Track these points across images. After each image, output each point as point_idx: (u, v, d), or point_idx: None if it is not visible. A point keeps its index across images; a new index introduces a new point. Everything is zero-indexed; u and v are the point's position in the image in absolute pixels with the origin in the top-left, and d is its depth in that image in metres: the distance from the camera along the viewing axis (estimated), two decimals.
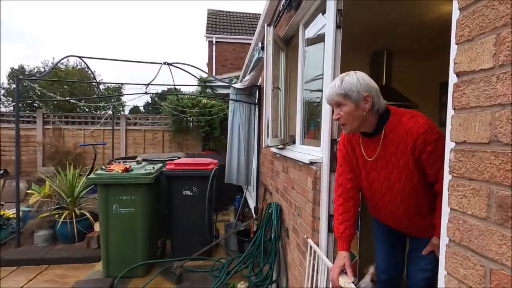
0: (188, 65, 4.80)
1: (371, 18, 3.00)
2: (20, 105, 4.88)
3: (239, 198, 5.10)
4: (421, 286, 1.42)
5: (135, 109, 20.50)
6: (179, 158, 4.26)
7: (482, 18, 0.66)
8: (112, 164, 3.30)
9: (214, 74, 11.04)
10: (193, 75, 5.24)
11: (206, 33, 12.26)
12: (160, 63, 4.67)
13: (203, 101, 7.25)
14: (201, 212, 3.46)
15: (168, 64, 4.74)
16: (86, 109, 15.61)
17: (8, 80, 17.04)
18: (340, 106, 1.28)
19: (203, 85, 7.33)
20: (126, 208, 3.04)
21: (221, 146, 7.69)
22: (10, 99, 16.68)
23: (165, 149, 8.16)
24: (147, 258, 3.19)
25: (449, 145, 0.76)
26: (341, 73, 1.74)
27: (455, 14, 0.74)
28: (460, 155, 0.72)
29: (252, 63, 3.69)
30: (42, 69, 16.48)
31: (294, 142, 2.79)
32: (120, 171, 3.02)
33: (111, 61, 4.96)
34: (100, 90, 10.45)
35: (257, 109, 4.54)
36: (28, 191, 4.65)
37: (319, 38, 2.48)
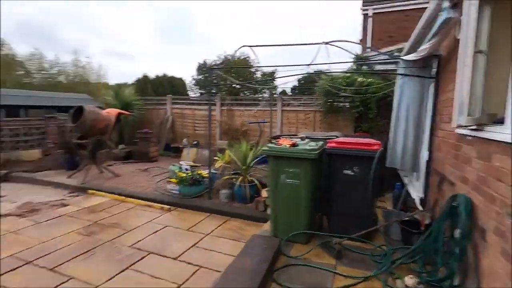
0: (346, 41, 4.61)
1: None
2: (208, 90, 6.11)
3: (399, 185, 4.59)
4: None
5: (282, 93, 22.10)
6: (336, 137, 4.24)
7: None
8: (280, 138, 3.67)
9: (369, 50, 10.17)
10: (349, 52, 4.99)
11: (363, 6, 11.33)
12: (319, 43, 4.70)
13: (358, 79, 6.83)
14: (360, 193, 3.34)
15: (326, 43, 4.70)
16: (247, 93, 18.13)
17: (197, 72, 22.10)
18: None
19: (360, 62, 6.87)
20: (292, 179, 3.33)
21: (376, 127, 7.10)
22: (198, 87, 21.61)
23: (316, 129, 8.37)
24: (307, 228, 3.41)
25: None
26: None
27: None
28: None
29: (435, 28, 3.08)
30: (218, 62, 20.20)
31: (496, 123, 2.16)
32: (288, 145, 3.31)
33: (268, 49, 5.38)
34: (259, 75, 11.75)
35: (432, 85, 3.83)
36: (215, 158, 5.92)
37: None
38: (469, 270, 2.23)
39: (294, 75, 5.68)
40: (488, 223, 1.99)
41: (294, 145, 3.33)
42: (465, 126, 2.22)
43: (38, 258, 3.37)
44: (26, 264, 3.27)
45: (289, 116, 8.91)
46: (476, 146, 2.29)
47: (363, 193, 3.33)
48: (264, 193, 4.64)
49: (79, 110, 6.40)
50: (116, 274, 3.10)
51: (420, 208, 3.92)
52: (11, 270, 3.14)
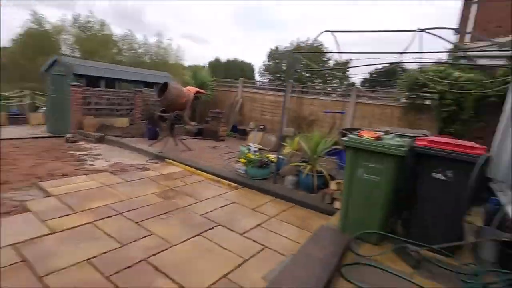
0: (444, 28, 4.03)
1: None
2: (286, 76, 6.04)
3: (495, 200, 3.93)
4: None
5: (351, 85, 20.84)
6: (425, 135, 3.79)
7: None
8: (362, 130, 3.43)
9: (469, 41, 8.79)
10: (448, 41, 4.33)
11: None
12: (414, 30, 4.19)
13: (454, 73, 5.96)
14: (451, 202, 2.95)
15: (421, 30, 4.16)
16: (316, 82, 17.56)
17: (268, 58, 22.23)
18: None
19: (461, 51, 5.97)
20: (371, 175, 3.11)
21: (469, 131, 6.17)
22: (268, 72, 21.78)
23: (392, 125, 7.68)
24: (380, 229, 3.17)
25: None
26: None
27: None
28: None
29: None
30: (290, 48, 19.94)
31: None
32: (372, 138, 3.07)
33: (346, 38, 4.98)
34: (331, 64, 11.21)
35: None
36: (283, 144, 5.92)
37: None
38: None
39: (381, 63, 5.25)
40: None
41: (378, 138, 3.08)
42: None
43: (127, 211, 3.86)
44: (118, 214, 3.78)
45: (364, 109, 8.35)
46: None
47: (455, 202, 2.93)
48: (333, 185, 4.47)
49: (165, 86, 7.00)
50: (189, 238, 3.37)
51: None
52: (107, 217, 3.66)
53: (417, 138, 3.34)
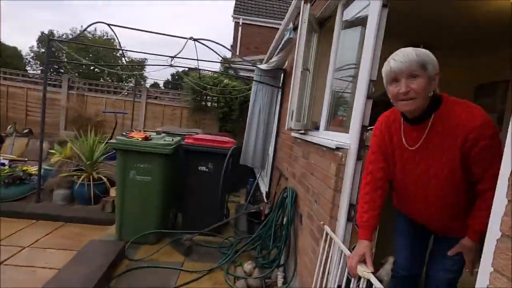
0: (214, 42, 4.74)
1: (413, 6, 2.81)
2: (47, 65, 4.96)
3: (252, 181, 5.10)
4: (442, 286, 1.36)
5: (155, 85, 20.75)
6: (197, 134, 4.26)
7: None
8: (133, 131, 3.34)
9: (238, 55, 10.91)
10: (217, 53, 5.17)
11: (234, 14, 12.05)
12: (187, 38, 4.62)
13: (224, 81, 7.19)
14: (214, 189, 3.47)
15: (194, 39, 4.68)
16: (109, 79, 15.88)
17: (38, 44, 17.49)
18: (413, 77, 1.13)
19: (227, 63, 7.24)
20: (142, 176, 3.08)
21: (238, 128, 7.66)
22: (39, 62, 17.16)
23: (182, 125, 8.23)
24: (159, 228, 3.25)
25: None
26: (380, 58, 1.65)
27: None
28: None
29: (281, 44, 3.58)
30: (71, 36, 16.81)
31: (316, 129, 2.71)
32: (140, 138, 3.04)
33: (137, 38, 4.94)
34: (125, 60, 10.55)
35: (280, 93, 4.45)
36: (51, 151, 4.81)
37: (357, 22, 2.35)
38: (291, 250, 2.68)
39: (160, 65, 5.40)
40: (304, 209, 2.44)
41: (146, 138, 3.09)
42: (294, 130, 2.65)
43: None
44: None
45: (155, 110, 8.39)
46: (302, 147, 2.78)
47: (216, 189, 3.47)
48: (113, 192, 4.11)
49: None
50: None
51: (266, 200, 4.47)
52: None
53: (186, 136, 3.68)
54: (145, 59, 17.04)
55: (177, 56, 4.36)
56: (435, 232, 1.46)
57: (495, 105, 3.53)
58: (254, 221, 3.46)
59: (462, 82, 3.86)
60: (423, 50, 1.14)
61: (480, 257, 0.75)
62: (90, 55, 14.07)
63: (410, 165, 1.31)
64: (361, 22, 2.19)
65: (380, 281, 1.72)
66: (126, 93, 8.23)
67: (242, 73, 7.39)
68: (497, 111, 3.46)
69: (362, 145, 1.69)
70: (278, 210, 2.88)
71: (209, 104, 7.98)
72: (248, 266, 2.79)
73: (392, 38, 3.48)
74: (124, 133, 3.24)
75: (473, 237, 1.22)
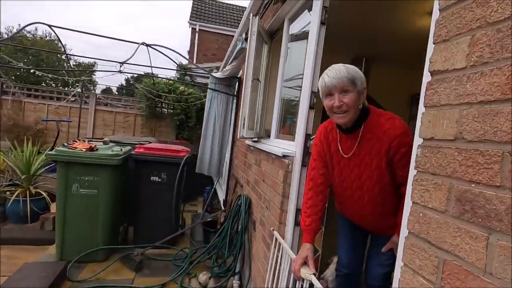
0: (168, 48, 4.63)
1: (354, 23, 3.07)
2: None
3: (209, 189, 5.04)
4: (379, 280, 1.48)
5: (107, 91, 19.54)
6: (150, 142, 4.11)
7: (459, 20, 0.68)
8: (76, 142, 3.11)
9: (194, 62, 10.78)
10: (172, 60, 5.07)
11: (190, 20, 11.92)
12: (138, 43, 4.46)
13: (180, 88, 7.05)
14: (168, 200, 3.37)
15: (147, 45, 4.53)
16: (53, 84, 14.58)
17: None
18: (344, 92, 1.23)
19: (182, 70, 7.12)
20: (87, 189, 2.88)
21: (196, 136, 7.54)
22: None
23: (136, 133, 7.85)
24: (108, 243, 3.05)
25: (417, 141, 0.79)
26: (321, 71, 1.77)
27: (435, 15, 0.77)
28: (426, 150, 0.74)
29: (235, 53, 3.64)
30: (5, 36, 15.17)
31: (269, 136, 2.79)
32: (84, 149, 2.84)
33: (84, 40, 4.65)
34: (70, 65, 9.79)
35: (235, 101, 4.49)
36: None
37: (303, 36, 2.49)
38: (246, 257, 2.70)
39: (108, 71, 5.13)
40: (257, 216, 2.48)
41: (92, 149, 2.90)
42: (246, 138, 2.70)
43: None
44: None
45: (106, 117, 7.89)
46: (255, 154, 2.84)
47: (170, 199, 3.37)
48: (55, 207, 3.76)
49: None
50: None
51: (223, 208, 4.45)
52: None
53: (137, 146, 3.53)
54: (95, 63, 16.00)
55: (127, 62, 4.18)
56: (371, 232, 1.59)
57: None
58: (210, 230, 3.42)
59: (400, 92, 4.29)
60: (352, 66, 1.25)
61: None
62: (30, 57, 12.80)
63: (346, 171, 1.42)
64: (306, 36, 2.33)
65: (325, 281, 1.82)
66: (71, 99, 7.62)
67: (199, 80, 7.32)
68: None
69: (306, 152, 1.79)
70: (233, 218, 2.89)
71: (165, 111, 7.74)
72: (203, 277, 2.74)
73: (339, 54, 3.78)
74: (65, 144, 3.01)
75: (400, 233, 1.36)
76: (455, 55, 0.68)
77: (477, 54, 0.63)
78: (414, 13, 2.71)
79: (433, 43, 0.76)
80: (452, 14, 0.70)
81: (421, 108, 0.78)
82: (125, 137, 5.50)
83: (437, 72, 0.74)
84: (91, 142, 3.17)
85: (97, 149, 2.97)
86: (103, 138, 3.96)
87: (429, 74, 0.76)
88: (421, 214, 0.74)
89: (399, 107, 4.38)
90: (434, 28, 0.76)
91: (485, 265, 0.56)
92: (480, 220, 0.58)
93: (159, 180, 3.34)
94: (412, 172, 0.80)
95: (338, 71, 1.25)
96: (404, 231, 0.81)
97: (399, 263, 0.82)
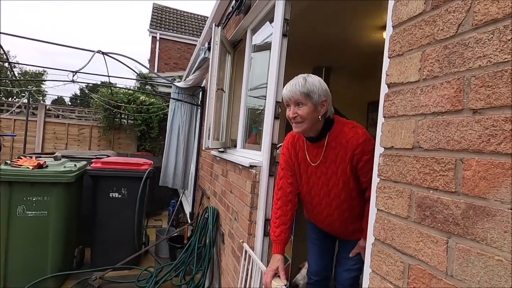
0: (126, 57, 4.44)
1: (313, 35, 3.21)
2: None
3: (174, 202, 4.85)
4: (347, 285, 1.51)
5: (59, 101, 18.12)
6: (108, 156, 3.85)
7: (411, 36, 0.73)
8: (21, 158, 2.81)
9: (156, 71, 10.47)
10: (131, 69, 4.86)
11: (150, 28, 11.59)
12: (94, 51, 4.21)
13: (141, 97, 6.76)
14: (130, 217, 3.17)
15: (103, 53, 4.30)
16: None
17: None
18: (299, 105, 1.28)
19: (143, 80, 6.85)
20: (35, 210, 2.60)
21: (159, 147, 7.26)
22: None
23: (92, 146, 7.32)
24: (60, 269, 2.76)
25: (378, 150, 0.82)
26: (284, 81, 1.81)
27: (389, 31, 0.81)
28: (387, 159, 0.78)
29: (197, 63, 3.59)
30: None
31: (235, 146, 2.77)
32: (30, 167, 2.57)
33: (33, 46, 4.29)
34: (14, 73, 8.94)
35: (199, 111, 4.42)
36: None
37: (266, 46, 2.54)
38: (215, 271, 2.61)
39: (59, 80, 4.77)
40: (226, 228, 2.43)
41: (40, 166, 2.64)
42: (212, 148, 2.65)
43: None
44: None
45: (57, 129, 7.28)
46: (221, 165, 2.79)
47: (132, 216, 3.17)
48: None
49: None
50: None
51: (190, 221, 4.30)
52: None
53: (94, 160, 3.29)
54: (44, 71, 14.79)
55: (80, 71, 3.92)
56: (339, 237, 1.63)
57: None
58: (176, 245, 3.27)
59: (358, 99, 4.55)
60: (312, 80, 1.29)
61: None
62: None
63: (313, 178, 1.44)
64: (269, 46, 2.38)
65: (297, 285, 1.82)
66: (16, 111, 6.93)
67: (161, 90, 7.09)
68: None
69: (273, 162, 1.80)
70: (201, 231, 2.79)
71: (124, 122, 7.35)
72: None
73: (301, 64, 3.91)
74: (8, 161, 2.70)
75: (366, 238, 1.41)
76: (409, 69, 0.73)
77: (428, 68, 0.67)
78: (368, 27, 2.90)
79: (388, 57, 0.80)
80: (404, 30, 0.75)
81: (381, 119, 0.82)
82: (80, 151, 5.11)
83: (393, 85, 0.78)
84: (40, 158, 2.88)
85: (47, 166, 2.70)
86: (53, 153, 3.64)
87: (386, 86, 0.81)
88: (385, 221, 0.77)
89: (358, 114, 4.64)
90: (388, 43, 0.81)
91: (446, 267, 0.59)
92: (439, 224, 0.62)
93: (119, 196, 3.13)
94: (375, 180, 0.83)
95: (295, 84, 1.29)
96: (370, 237, 0.83)
97: (367, 269, 0.83)
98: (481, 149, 0.55)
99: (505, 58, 0.52)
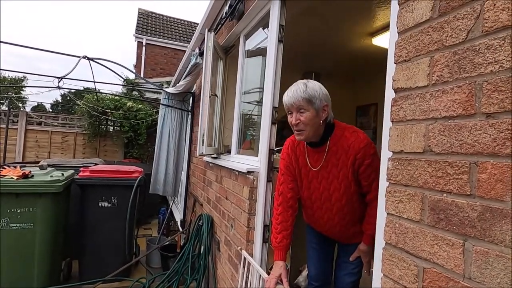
0: (112, 62, 4.35)
1: (304, 42, 3.26)
2: None
3: (164, 210, 4.74)
4: None
5: (39, 107, 17.52)
6: (96, 164, 3.73)
7: (418, 42, 0.75)
8: (5, 168, 2.68)
9: (142, 76, 10.31)
10: (117, 74, 4.77)
11: (136, 33, 11.45)
12: (79, 57, 4.10)
13: (128, 103, 6.62)
14: (120, 226, 3.07)
15: (88, 58, 4.19)
16: None
17: None
18: (301, 111, 1.27)
19: (130, 86, 6.72)
20: (20, 223, 2.47)
21: (147, 154, 7.12)
22: None
23: (77, 154, 7.09)
24: (46, 284, 2.63)
25: (386, 154, 0.83)
26: (280, 86, 1.82)
27: (394, 37, 0.83)
28: (397, 163, 0.78)
29: (188, 69, 3.56)
30: None
31: (228, 152, 2.74)
32: (15, 177, 2.46)
33: (11, 52, 4.14)
34: None
35: (189, 117, 4.37)
36: None
37: (259, 52, 2.55)
38: (211, 280, 2.56)
39: (44, 86, 4.62)
40: (221, 235, 2.39)
41: (26, 176, 2.53)
42: (205, 154, 2.62)
43: None
44: None
45: (39, 137, 7.02)
46: (215, 171, 2.76)
47: (123, 226, 3.07)
48: None
49: None
50: None
51: (181, 229, 4.21)
52: None
53: (82, 169, 3.18)
54: (24, 77, 14.30)
55: (66, 76, 3.81)
56: (339, 241, 1.63)
57: (370, 123, 4.34)
58: (169, 255, 3.19)
59: (347, 104, 4.62)
60: (313, 85, 1.29)
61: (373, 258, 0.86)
62: None
63: (314, 183, 1.44)
64: (262, 52, 2.39)
65: (299, 287, 1.80)
66: None
67: (149, 95, 6.98)
68: (371, 127, 4.27)
69: (271, 167, 1.79)
70: (195, 239, 2.74)
71: (110, 128, 7.17)
72: None
73: (291, 69, 3.95)
74: None
75: (367, 241, 1.41)
76: (417, 74, 0.74)
77: (437, 73, 0.69)
78: (357, 34, 2.96)
79: (394, 63, 0.82)
80: (411, 36, 0.77)
81: (388, 123, 0.83)
82: (65, 159, 4.94)
83: (400, 90, 0.79)
84: (25, 168, 2.76)
85: (32, 176, 2.59)
86: (38, 162, 3.50)
87: (393, 91, 0.82)
88: (397, 225, 0.77)
89: (347, 118, 4.71)
90: (394, 49, 0.82)
91: (464, 270, 0.60)
92: (455, 227, 0.62)
93: (109, 205, 3.03)
94: (383, 184, 0.83)
95: (296, 90, 1.28)
96: (380, 242, 0.83)
97: (378, 274, 0.83)
98: (496, 152, 0.56)
99: None
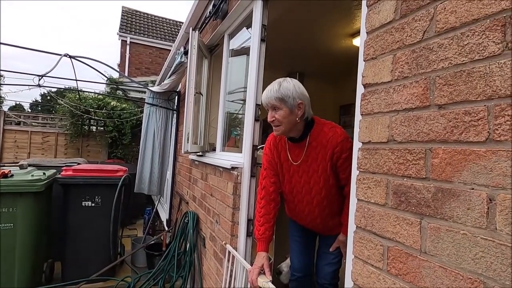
0: (96, 60, 4.28)
1: (287, 42, 3.33)
2: None
3: (149, 210, 4.71)
4: (328, 279, 1.58)
5: (17, 107, 16.87)
6: (79, 164, 3.67)
7: (383, 41, 0.82)
8: None
9: (127, 75, 10.14)
10: (100, 73, 4.69)
11: (120, 32, 11.24)
12: (60, 55, 4.02)
13: (111, 103, 6.51)
14: (105, 226, 3.04)
15: (70, 56, 4.11)
16: None
17: None
18: (275, 109, 1.35)
19: (114, 84, 6.62)
20: (0, 223, 2.42)
21: (131, 154, 7.02)
22: None
23: (58, 155, 6.91)
24: (27, 285, 2.58)
25: (357, 145, 0.89)
26: (263, 84, 1.87)
27: (363, 36, 0.90)
28: (365, 153, 0.85)
29: (173, 67, 3.56)
30: None
31: (213, 150, 2.77)
32: None
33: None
34: None
35: (175, 116, 4.36)
36: None
37: (243, 51, 2.59)
38: (197, 276, 2.58)
39: (23, 85, 4.49)
40: (206, 232, 2.42)
41: (5, 175, 2.47)
42: (191, 152, 2.64)
43: None
44: None
45: (18, 137, 6.80)
46: (200, 168, 2.78)
47: (107, 225, 3.04)
48: None
49: None
50: None
51: (167, 228, 4.20)
52: None
53: (64, 168, 3.13)
54: (1, 75, 13.75)
55: (47, 75, 3.72)
56: (320, 233, 1.70)
57: (353, 121, 4.48)
58: (155, 254, 3.19)
59: (330, 103, 4.74)
60: (287, 84, 1.36)
61: None
62: None
63: (295, 177, 1.50)
64: (246, 51, 2.43)
65: (281, 272, 1.86)
66: None
67: (133, 95, 6.89)
68: (353, 125, 4.41)
69: (254, 163, 1.84)
70: (180, 237, 2.75)
71: (93, 128, 7.03)
72: None
73: (276, 69, 4.01)
74: None
75: (345, 232, 1.48)
76: (382, 70, 0.81)
77: (399, 70, 0.76)
78: (339, 35, 3.06)
79: (364, 60, 0.88)
80: (377, 36, 0.84)
81: (358, 116, 0.90)
82: (46, 159, 4.82)
83: (369, 85, 0.86)
84: (4, 168, 2.70)
85: (12, 175, 2.54)
86: (17, 162, 3.41)
87: (362, 86, 0.88)
88: (365, 209, 0.84)
89: (331, 117, 4.82)
90: (363, 48, 0.89)
91: (420, 246, 0.67)
92: (413, 208, 0.69)
93: (93, 204, 3.00)
94: (354, 172, 0.90)
95: (270, 90, 1.36)
96: (352, 226, 0.90)
97: (350, 256, 0.90)
98: (446, 139, 0.63)
99: (463, 60, 0.61)
